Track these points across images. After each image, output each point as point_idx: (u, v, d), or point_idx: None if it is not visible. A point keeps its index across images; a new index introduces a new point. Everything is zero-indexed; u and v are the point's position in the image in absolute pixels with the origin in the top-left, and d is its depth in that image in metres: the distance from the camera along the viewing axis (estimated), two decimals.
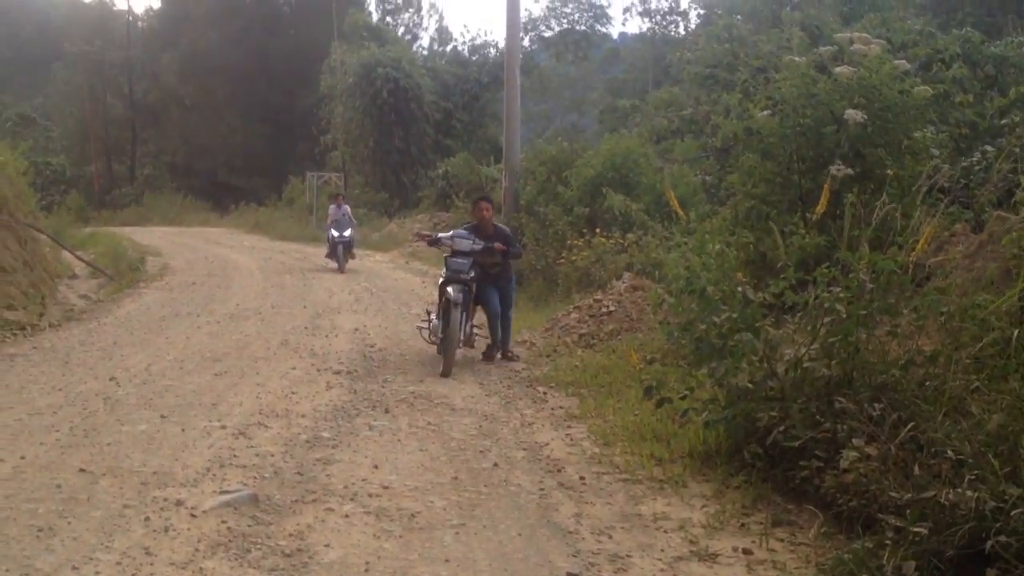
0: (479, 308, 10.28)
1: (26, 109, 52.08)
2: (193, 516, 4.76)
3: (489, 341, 10.28)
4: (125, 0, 66.44)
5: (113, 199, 44.57)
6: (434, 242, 10.12)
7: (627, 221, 15.32)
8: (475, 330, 10.29)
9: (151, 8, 55.36)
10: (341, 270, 19.43)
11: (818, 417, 5.21)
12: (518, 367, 9.83)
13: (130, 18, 52.22)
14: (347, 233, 19.88)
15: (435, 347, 9.72)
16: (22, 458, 5.65)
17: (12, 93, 58.58)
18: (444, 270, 9.79)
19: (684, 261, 6.33)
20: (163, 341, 10.40)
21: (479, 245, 9.67)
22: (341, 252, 19.70)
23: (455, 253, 9.63)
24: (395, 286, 17.56)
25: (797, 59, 8.96)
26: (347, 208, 20.92)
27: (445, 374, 8.94)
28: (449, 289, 9.34)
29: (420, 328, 10.26)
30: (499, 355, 10.15)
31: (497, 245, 9.80)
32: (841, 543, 4.54)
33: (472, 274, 9.54)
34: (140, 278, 17.34)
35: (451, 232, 10.08)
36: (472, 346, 10.21)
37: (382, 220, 30.78)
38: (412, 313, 13.57)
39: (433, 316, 9.81)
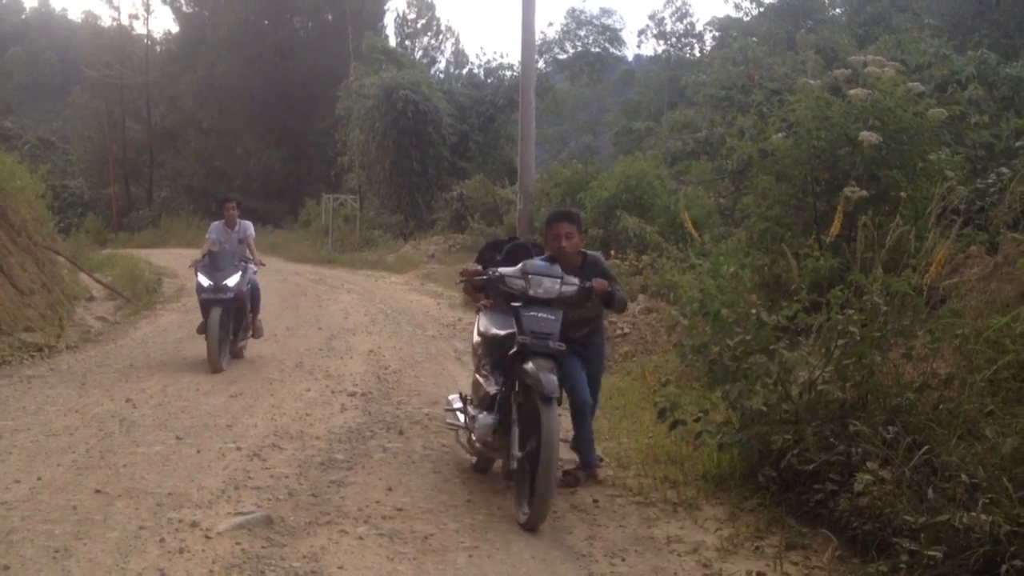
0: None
1: (45, 132, 52.62)
2: (208, 538, 4.78)
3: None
4: (143, 24, 67.23)
5: (131, 221, 44.84)
6: (490, 284, 5.90)
7: (642, 243, 15.37)
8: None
9: (169, 32, 55.77)
10: (213, 366, 9.94)
11: (832, 440, 5.21)
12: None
13: (148, 42, 52.59)
14: (230, 282, 10.42)
15: (473, 458, 6.35)
16: (39, 479, 5.69)
17: (32, 117, 59.35)
18: (487, 326, 6.21)
19: (698, 283, 6.34)
20: (179, 362, 10.45)
21: (572, 286, 5.72)
22: (215, 323, 10.09)
23: (528, 300, 5.63)
24: (410, 308, 17.58)
25: (811, 82, 8.99)
26: (248, 229, 11.44)
27: (532, 526, 5.16)
28: (531, 366, 5.33)
29: (452, 425, 6.59)
30: (585, 476, 6.23)
31: (598, 282, 5.85)
32: (856, 567, 4.53)
33: (562, 344, 5.51)
34: (157, 300, 17.44)
35: (519, 266, 5.81)
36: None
37: (397, 242, 30.88)
38: (427, 335, 13.62)
39: (473, 409, 6.18)
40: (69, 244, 20.79)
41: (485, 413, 5.89)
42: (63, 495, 5.40)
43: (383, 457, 6.67)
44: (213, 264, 10.53)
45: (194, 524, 4.97)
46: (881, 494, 4.58)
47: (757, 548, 4.95)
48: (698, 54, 56.78)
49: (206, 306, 10.42)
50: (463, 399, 6.56)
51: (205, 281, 10.42)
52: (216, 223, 11.56)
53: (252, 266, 11.10)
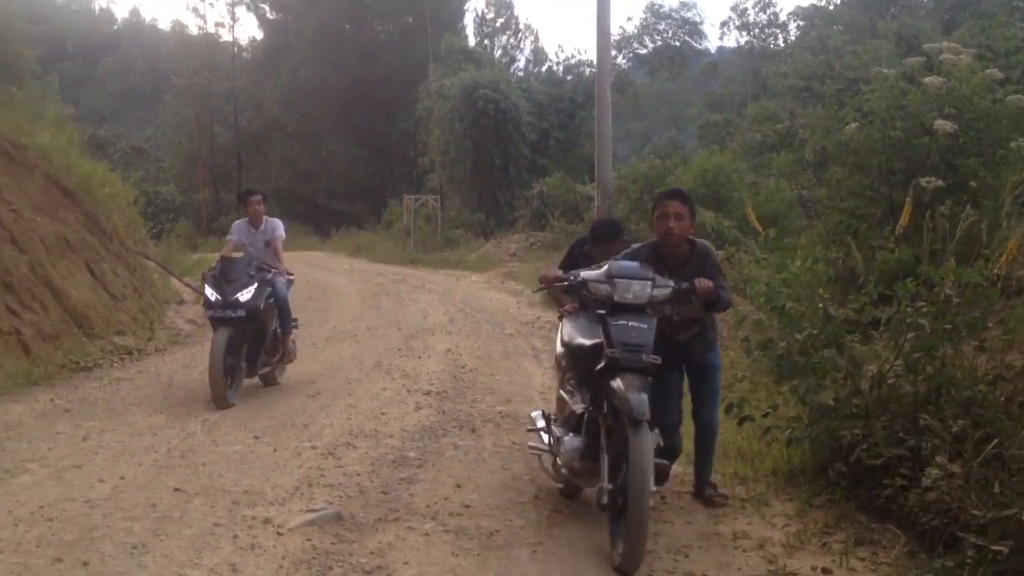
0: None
1: (138, 140, 54.17)
2: (279, 534, 4.92)
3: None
4: (229, 32, 68.73)
5: (220, 226, 45.77)
6: (572, 288, 5.27)
7: (720, 237, 15.25)
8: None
9: (254, 39, 57.11)
10: (216, 400, 8.18)
11: (902, 434, 5.14)
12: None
13: (235, 49, 53.81)
14: (243, 296, 8.58)
15: (560, 484, 5.65)
16: (121, 478, 5.91)
17: (126, 125, 61.01)
18: (571, 335, 5.54)
19: (764, 277, 6.30)
20: None
21: (665, 288, 5.01)
22: (219, 347, 8.23)
23: (616, 307, 4.93)
24: (489, 306, 17.67)
25: (885, 71, 8.83)
26: (276, 228, 9.59)
27: (627, 570, 4.50)
28: (618, 383, 4.69)
29: (534, 448, 5.78)
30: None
31: (701, 283, 5.12)
32: (923, 563, 4.46)
33: (656, 358, 4.81)
34: None
35: (603, 265, 5.18)
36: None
37: (479, 241, 31.08)
38: (505, 333, 13.68)
39: (558, 429, 5.53)
40: (161, 249, 21.34)
41: (571, 435, 5.22)
42: (143, 493, 5.60)
43: (454, 455, 6.77)
44: (224, 273, 8.74)
45: (267, 521, 5.12)
46: (949, 489, 4.51)
47: (825, 544, 4.90)
48: (782, 44, 55.95)
49: (213, 325, 8.76)
50: (546, 418, 5.89)
51: (212, 295, 8.62)
52: (239, 222, 9.82)
53: (282, 276, 9.33)
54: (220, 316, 8.54)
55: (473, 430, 7.59)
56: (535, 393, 9.12)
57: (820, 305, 5.81)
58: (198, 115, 48.97)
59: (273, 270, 9.14)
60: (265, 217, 9.59)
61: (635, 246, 5.58)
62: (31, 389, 8.93)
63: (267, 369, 9.31)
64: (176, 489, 5.69)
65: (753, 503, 5.61)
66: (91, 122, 48.59)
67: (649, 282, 4.96)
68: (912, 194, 6.40)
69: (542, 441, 5.71)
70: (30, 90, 20.05)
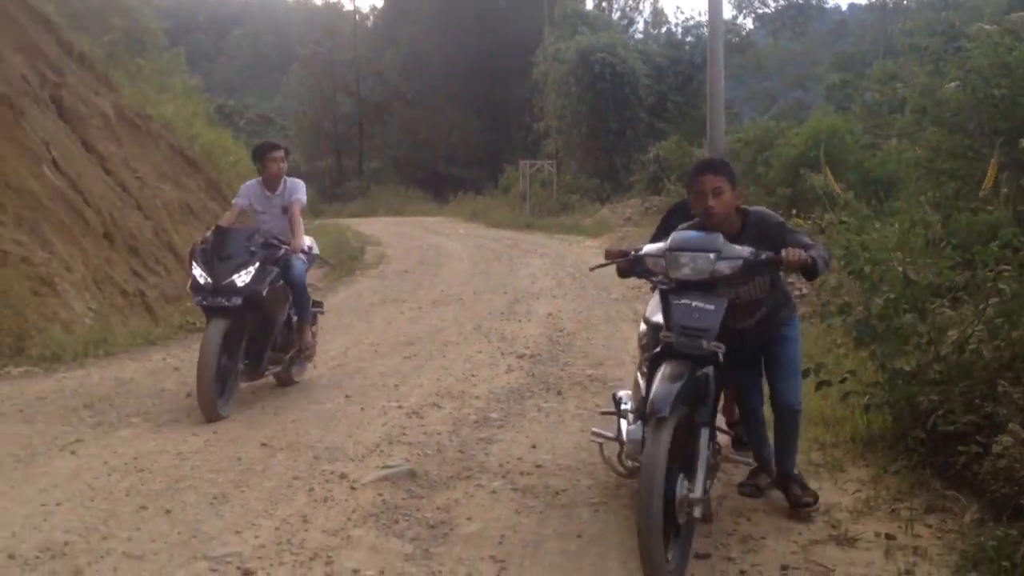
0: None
1: (267, 110, 55.59)
2: (353, 488, 5.13)
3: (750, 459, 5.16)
4: (351, 1, 69.64)
5: (343, 192, 46.85)
6: (631, 265, 4.63)
7: (831, 201, 14.89)
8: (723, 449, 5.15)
9: (375, 8, 57.80)
10: (205, 411, 6.51)
11: (978, 401, 5.03)
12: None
13: (356, 18, 54.63)
14: (240, 279, 6.75)
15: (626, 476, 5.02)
16: (214, 433, 6.23)
17: (255, 95, 62.63)
18: (653, 310, 5.01)
19: (844, 241, 6.21)
20: (365, 326, 11.01)
21: (735, 260, 4.24)
22: (212, 343, 6.54)
23: (680, 285, 4.25)
24: (598, 271, 17.54)
25: (987, 27, 8.51)
26: (296, 191, 7.76)
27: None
28: (664, 371, 4.11)
29: (597, 436, 5.13)
30: (769, 482, 5.09)
31: (791, 252, 4.26)
32: (990, 531, 4.37)
33: (720, 345, 4.14)
34: (357, 266, 18.28)
35: (667, 241, 4.40)
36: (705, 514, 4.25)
37: (594, 206, 30.98)
38: (611, 298, 13.71)
39: (630, 411, 5.00)
40: None
41: (639, 423, 4.41)
42: (232, 447, 5.90)
43: (535, 416, 6.89)
44: (217, 248, 6.89)
45: (343, 476, 5.34)
46: (1020, 456, 4.41)
47: (894, 510, 4.84)
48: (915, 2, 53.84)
49: (205, 315, 6.96)
50: (616, 401, 5.29)
51: (201, 276, 6.80)
52: (249, 183, 7.85)
53: (297, 255, 7.47)
54: (210, 304, 6.75)
55: (559, 393, 7.68)
56: (628, 358, 9.14)
57: (900, 269, 5.69)
58: (321, 84, 50.01)
59: (284, 247, 7.33)
60: (284, 178, 7.77)
61: (683, 225, 4.67)
62: (147, 348, 9.45)
63: (278, 368, 7.63)
64: (263, 444, 5.97)
65: (828, 468, 5.56)
66: (221, 93, 49.97)
67: (714, 252, 4.21)
68: (997, 156, 6.20)
69: (612, 427, 5.17)
70: (157, 62, 20.84)
